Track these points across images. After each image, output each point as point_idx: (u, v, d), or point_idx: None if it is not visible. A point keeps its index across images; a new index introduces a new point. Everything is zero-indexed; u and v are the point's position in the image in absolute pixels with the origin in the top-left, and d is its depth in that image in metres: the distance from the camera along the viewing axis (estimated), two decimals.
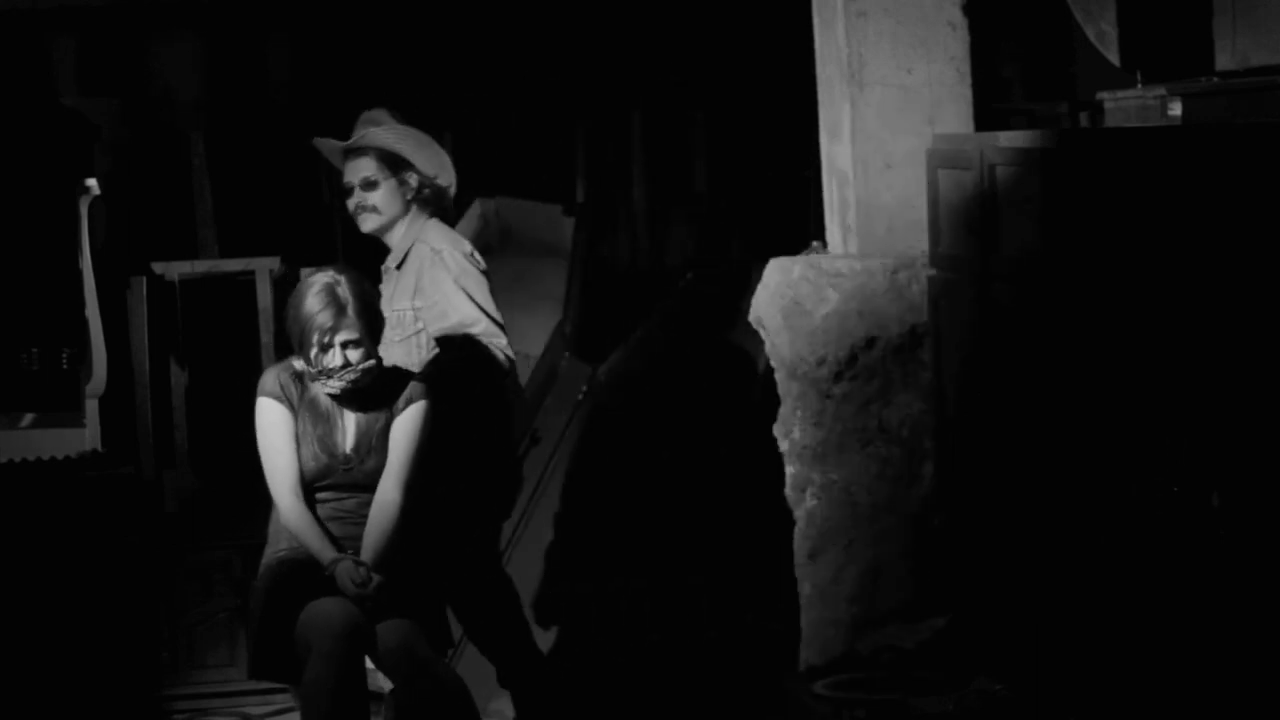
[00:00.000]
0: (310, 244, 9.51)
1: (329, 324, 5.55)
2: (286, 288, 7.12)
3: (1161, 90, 5.83)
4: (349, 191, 6.19)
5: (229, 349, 7.33)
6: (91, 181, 7.29)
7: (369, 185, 6.16)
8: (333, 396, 5.63)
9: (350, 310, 5.56)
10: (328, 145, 6.25)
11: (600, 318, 8.34)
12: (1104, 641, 4.73)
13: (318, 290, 5.60)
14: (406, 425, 5.66)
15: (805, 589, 5.66)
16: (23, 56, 9.95)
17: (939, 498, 5.54)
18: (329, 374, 5.57)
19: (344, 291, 5.59)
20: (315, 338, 5.56)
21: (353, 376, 5.58)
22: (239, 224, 9.44)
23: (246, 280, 7.32)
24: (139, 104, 9.26)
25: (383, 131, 6.16)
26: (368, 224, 6.21)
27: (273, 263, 7.32)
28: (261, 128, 10.24)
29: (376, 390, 5.67)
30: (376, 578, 5.45)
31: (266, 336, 7.17)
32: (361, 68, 10.50)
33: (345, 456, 5.62)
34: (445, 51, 10.55)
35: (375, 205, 6.17)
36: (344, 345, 5.56)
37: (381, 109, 6.27)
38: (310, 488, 5.63)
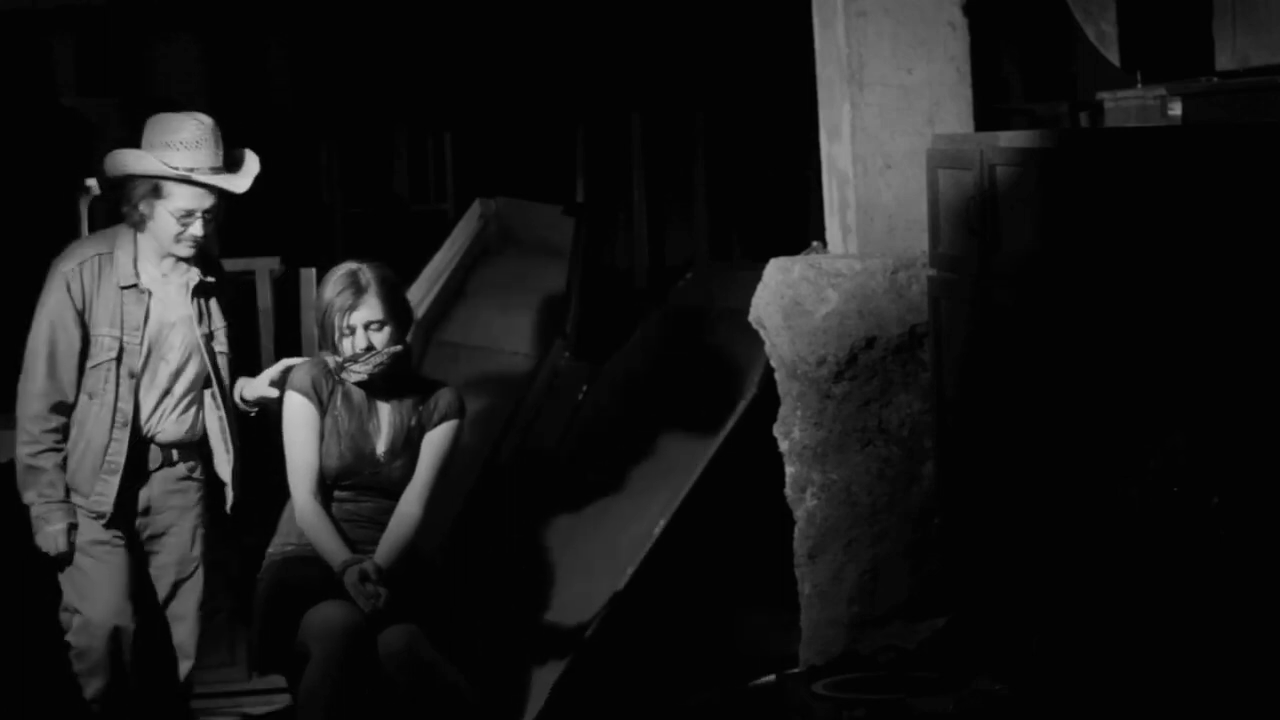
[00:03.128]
0: (310, 244, 9.52)
1: (348, 304, 5.55)
2: (287, 288, 7.12)
3: (1161, 90, 5.84)
4: (188, 216, 5.67)
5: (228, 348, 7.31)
6: (91, 181, 7.28)
7: (211, 218, 5.73)
8: (363, 386, 5.61)
9: (371, 292, 5.56)
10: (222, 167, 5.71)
11: (600, 318, 8.34)
12: (1103, 641, 4.73)
13: (339, 276, 5.62)
14: (439, 442, 5.65)
15: (805, 589, 5.66)
16: (23, 56, 9.96)
17: (939, 498, 5.54)
18: (355, 359, 5.56)
19: (365, 277, 5.60)
20: (337, 320, 5.56)
21: (379, 359, 5.57)
22: (239, 224, 9.44)
23: (246, 280, 7.32)
24: (139, 104, 9.26)
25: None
26: (192, 252, 5.72)
27: (273, 263, 7.31)
28: (261, 128, 10.25)
29: (407, 389, 5.66)
30: (384, 592, 5.45)
31: (266, 337, 7.16)
32: (361, 69, 10.52)
33: (375, 458, 5.61)
34: (446, 53, 10.56)
35: (209, 237, 5.77)
36: (366, 326, 5.56)
37: (209, 119, 5.76)
38: (332, 485, 5.62)
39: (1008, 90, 9.28)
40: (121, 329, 5.67)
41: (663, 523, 6.63)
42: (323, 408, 5.62)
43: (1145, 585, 4.65)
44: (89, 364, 5.67)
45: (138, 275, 5.70)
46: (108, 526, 5.69)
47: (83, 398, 5.68)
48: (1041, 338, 4.82)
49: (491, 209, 7.74)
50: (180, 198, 5.66)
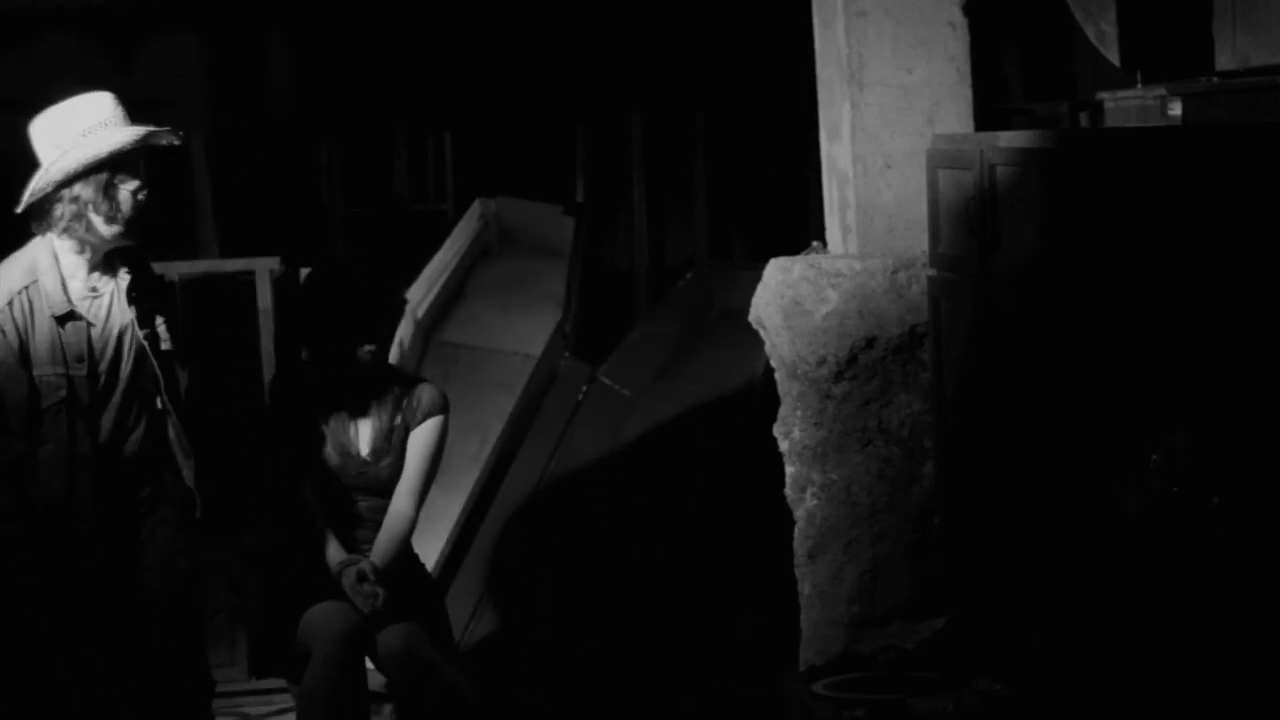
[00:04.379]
0: (310, 244, 9.53)
1: (332, 307, 5.56)
2: (287, 288, 7.12)
3: (1161, 90, 5.83)
4: (140, 187, 5.18)
5: (229, 349, 7.33)
6: None
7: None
8: (343, 387, 5.62)
9: (354, 294, 5.57)
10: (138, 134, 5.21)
11: (600, 318, 8.34)
12: (1103, 641, 4.74)
13: (320, 274, 5.63)
14: (425, 438, 5.66)
15: (805, 589, 5.66)
16: (22, 56, 9.95)
17: (939, 498, 5.54)
18: (336, 361, 5.57)
19: (349, 277, 5.61)
20: (320, 322, 5.57)
21: (361, 361, 5.58)
22: (239, 224, 9.45)
23: (246, 280, 7.33)
24: (138, 103, 9.25)
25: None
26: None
27: (273, 263, 7.32)
28: (261, 128, 10.25)
29: (388, 388, 5.67)
30: (382, 592, 5.45)
31: (266, 336, 7.17)
32: (361, 69, 10.51)
33: (361, 458, 5.62)
34: (445, 53, 10.56)
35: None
36: (348, 328, 5.57)
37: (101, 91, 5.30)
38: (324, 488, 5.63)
39: (1008, 90, 9.27)
40: (65, 364, 5.10)
41: (663, 522, 6.64)
42: (306, 412, 5.63)
43: (1145, 585, 4.65)
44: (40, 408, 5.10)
45: (70, 300, 5.13)
46: (90, 578, 5.20)
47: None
48: (1041, 338, 4.82)
49: (491, 209, 7.76)
50: (132, 170, 5.15)
